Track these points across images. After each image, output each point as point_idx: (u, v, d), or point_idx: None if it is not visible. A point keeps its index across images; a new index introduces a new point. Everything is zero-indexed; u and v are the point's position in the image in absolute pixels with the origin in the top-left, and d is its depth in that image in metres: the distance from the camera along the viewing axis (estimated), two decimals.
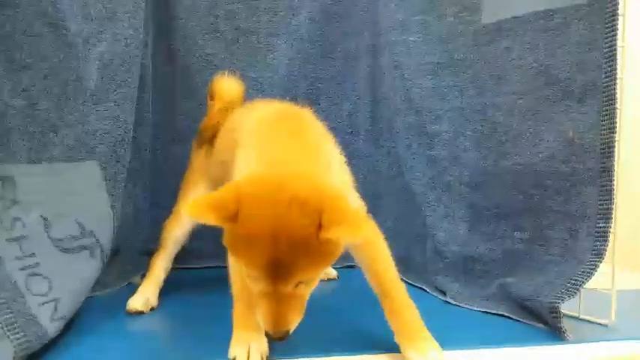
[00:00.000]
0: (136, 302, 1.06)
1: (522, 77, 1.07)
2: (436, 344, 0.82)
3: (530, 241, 1.06)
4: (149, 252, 1.34)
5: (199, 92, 1.34)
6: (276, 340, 0.72)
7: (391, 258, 0.91)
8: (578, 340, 0.91)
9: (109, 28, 1.04)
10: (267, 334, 0.72)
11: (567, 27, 1.00)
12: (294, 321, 0.72)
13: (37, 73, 0.90)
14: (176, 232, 1.15)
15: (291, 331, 0.72)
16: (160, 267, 1.15)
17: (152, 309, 1.08)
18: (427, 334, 0.83)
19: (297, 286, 0.71)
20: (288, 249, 0.67)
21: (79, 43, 0.97)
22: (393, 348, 0.85)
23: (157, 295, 1.12)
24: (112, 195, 1.03)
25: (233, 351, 0.79)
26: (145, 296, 1.08)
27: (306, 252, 0.68)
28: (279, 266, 0.67)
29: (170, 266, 1.17)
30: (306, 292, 0.74)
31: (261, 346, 0.80)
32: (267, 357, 0.81)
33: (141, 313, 1.05)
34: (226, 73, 1.19)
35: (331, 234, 0.66)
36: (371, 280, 0.90)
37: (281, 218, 0.66)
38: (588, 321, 1.01)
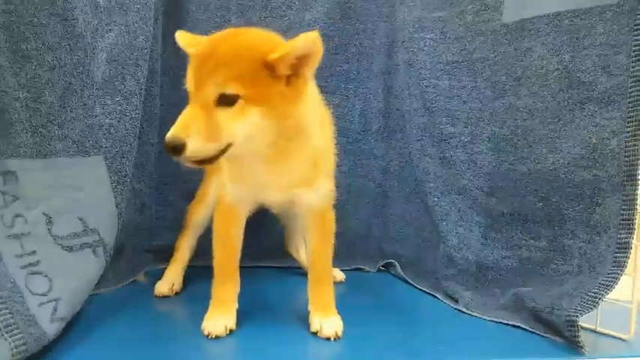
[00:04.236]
0: (162, 287, 1.14)
1: (544, 79, 1.03)
2: (338, 316, 0.94)
3: (547, 250, 1.03)
4: (154, 249, 1.33)
5: None
6: (169, 152, 0.72)
7: (332, 242, 1.00)
8: (596, 354, 0.88)
9: (117, 20, 1.02)
10: (164, 145, 0.73)
11: (593, 28, 0.97)
12: (193, 137, 0.73)
13: (43, 64, 0.87)
14: (200, 214, 1.19)
15: (187, 150, 0.72)
16: (184, 248, 1.21)
17: (176, 293, 1.16)
18: (334, 308, 0.96)
19: (219, 101, 0.75)
20: (223, 57, 0.76)
21: (86, 34, 0.94)
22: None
23: (182, 276, 1.19)
24: (117, 191, 1.01)
25: (206, 327, 0.90)
26: (171, 280, 1.16)
27: (240, 64, 0.76)
28: (206, 65, 0.76)
29: (194, 246, 1.21)
30: (228, 120, 0.75)
31: (230, 322, 0.92)
32: (230, 330, 0.91)
33: (167, 296, 1.13)
34: None
35: (281, 50, 0.76)
36: (309, 251, 1.00)
37: (231, 40, 0.79)
38: (606, 334, 0.97)
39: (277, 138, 0.81)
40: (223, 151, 0.77)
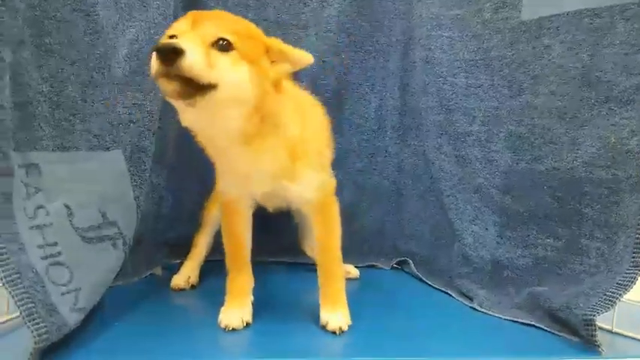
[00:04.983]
0: (179, 280, 1.17)
1: (562, 78, 1.03)
2: (346, 312, 0.95)
3: (563, 250, 1.02)
4: (171, 243, 1.34)
5: None
6: (165, 55, 0.69)
7: (339, 231, 1.00)
8: (612, 355, 0.87)
9: (137, 16, 1.03)
10: (155, 49, 0.70)
11: (613, 27, 0.96)
12: (194, 49, 0.71)
13: (65, 59, 0.89)
14: (216, 210, 1.19)
15: (185, 58, 0.69)
16: (201, 245, 1.24)
17: (193, 286, 1.19)
18: (343, 303, 0.97)
19: (215, 44, 0.75)
20: (227, 15, 0.82)
21: (107, 29, 0.96)
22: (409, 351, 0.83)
23: (198, 271, 1.22)
24: (136, 185, 1.02)
25: (223, 319, 0.92)
26: (187, 274, 1.19)
27: (241, 25, 0.81)
28: (208, 15, 0.79)
29: (211, 243, 1.24)
30: (222, 62, 0.74)
31: (246, 315, 0.94)
32: (246, 323, 0.93)
33: (183, 289, 1.17)
34: None
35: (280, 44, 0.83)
36: (316, 246, 1.01)
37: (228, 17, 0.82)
38: (622, 335, 0.96)
39: (253, 112, 0.80)
40: (205, 90, 0.73)
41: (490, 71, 1.16)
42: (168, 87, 0.72)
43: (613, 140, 0.95)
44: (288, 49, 0.83)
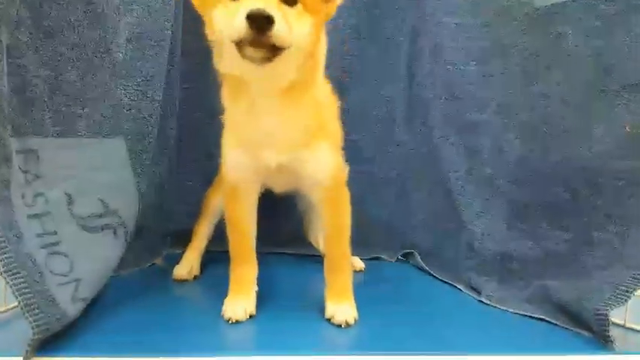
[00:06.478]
0: (181, 270, 1.16)
1: (576, 66, 1.00)
2: (353, 305, 0.93)
3: (574, 243, 1.00)
4: (173, 233, 1.32)
5: None
6: (259, 23, 0.70)
7: (349, 222, 0.98)
8: (625, 350, 0.85)
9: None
10: (249, 16, 0.70)
11: (630, 14, 0.93)
12: (278, 16, 0.71)
13: (64, 42, 0.86)
14: (217, 200, 1.17)
15: (275, 25, 0.70)
16: (202, 234, 1.22)
17: (195, 277, 1.17)
18: (350, 295, 0.95)
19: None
20: None
21: (108, 13, 0.93)
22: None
23: (200, 261, 1.20)
24: (138, 173, 1.00)
25: (227, 311, 0.90)
26: (189, 265, 1.17)
27: None
28: None
29: (212, 232, 1.22)
30: (292, 18, 0.75)
31: (250, 307, 0.92)
32: (250, 314, 0.91)
33: (186, 280, 1.15)
34: None
35: None
36: (324, 236, 1.01)
37: None
38: (635, 330, 0.94)
39: (305, 61, 0.82)
40: (282, 50, 0.75)
41: (502, 59, 1.13)
42: (256, 54, 0.74)
43: (628, 130, 0.93)
44: None
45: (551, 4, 1.04)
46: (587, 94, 0.98)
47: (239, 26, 0.70)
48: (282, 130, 0.87)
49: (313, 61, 0.86)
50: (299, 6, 0.77)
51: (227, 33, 0.75)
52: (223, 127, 0.94)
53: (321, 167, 0.91)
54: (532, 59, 1.07)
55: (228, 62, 0.82)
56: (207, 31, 0.83)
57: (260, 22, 0.70)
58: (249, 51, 0.73)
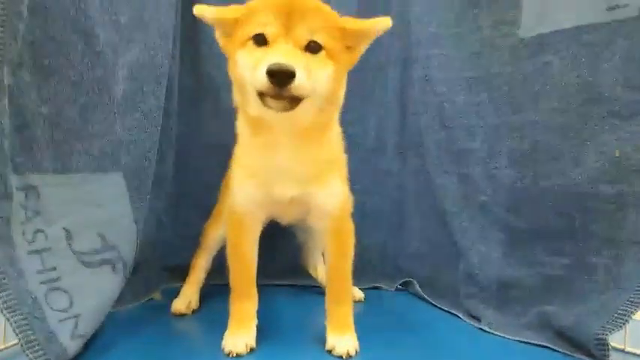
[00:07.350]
0: (179, 304, 1.14)
1: (563, 93, 1.03)
2: (354, 336, 0.93)
3: (570, 268, 1.01)
4: (170, 267, 1.32)
5: (225, 102, 1.31)
6: (280, 78, 0.71)
7: (352, 253, 0.98)
8: None
9: (137, 37, 1.02)
10: (269, 72, 0.71)
11: (613, 42, 0.96)
12: (300, 69, 0.72)
13: (64, 80, 0.87)
14: (216, 233, 1.18)
15: (296, 79, 0.71)
16: (200, 268, 1.21)
17: (193, 311, 1.15)
18: (351, 326, 0.94)
19: (307, 47, 0.77)
20: (308, 8, 0.78)
21: (107, 50, 0.95)
22: None
23: (198, 295, 1.19)
24: (136, 208, 1.00)
25: (227, 345, 0.89)
26: (187, 299, 1.16)
27: (324, 18, 0.79)
28: (294, 12, 0.76)
29: (209, 267, 1.21)
30: (314, 66, 0.76)
31: (250, 340, 0.91)
32: (250, 348, 0.90)
33: (184, 315, 1.13)
34: None
35: (358, 22, 0.82)
36: (327, 266, 0.99)
37: None
38: (635, 354, 0.95)
39: (326, 106, 0.83)
40: (299, 101, 0.76)
41: (490, 88, 1.16)
42: (277, 105, 0.75)
43: (617, 155, 0.95)
44: (363, 26, 0.83)
45: (537, 35, 1.07)
46: (576, 121, 1.01)
47: (261, 80, 0.73)
48: (299, 166, 0.89)
49: (334, 106, 0.88)
50: (322, 53, 0.79)
51: (250, 81, 0.77)
52: (233, 158, 0.96)
53: (332, 199, 0.93)
54: (520, 88, 1.10)
55: (249, 104, 0.82)
56: (231, 71, 0.85)
57: (280, 77, 0.72)
58: (270, 102, 0.75)
